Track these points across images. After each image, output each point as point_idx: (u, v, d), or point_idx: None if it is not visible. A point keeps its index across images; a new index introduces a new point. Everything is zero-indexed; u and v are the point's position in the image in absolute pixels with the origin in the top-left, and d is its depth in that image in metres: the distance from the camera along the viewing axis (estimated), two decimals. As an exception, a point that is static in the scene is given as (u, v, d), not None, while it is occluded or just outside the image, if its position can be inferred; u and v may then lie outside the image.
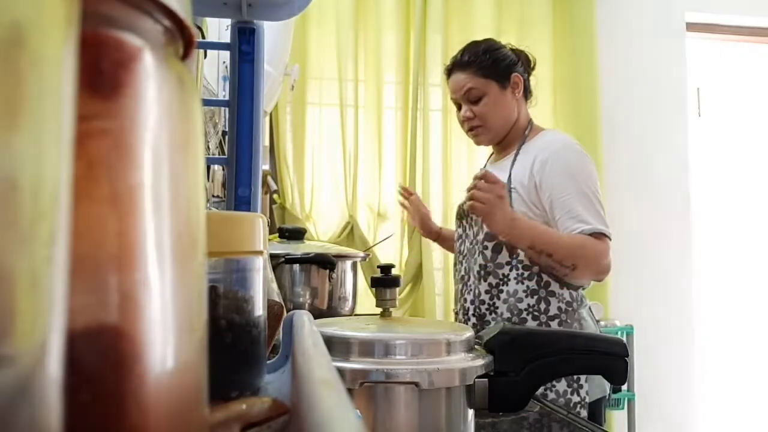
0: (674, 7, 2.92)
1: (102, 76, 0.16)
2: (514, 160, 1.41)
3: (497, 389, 0.54)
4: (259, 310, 0.42)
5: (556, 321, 1.32)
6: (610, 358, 0.58)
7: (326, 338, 0.50)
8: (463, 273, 1.45)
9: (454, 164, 2.61)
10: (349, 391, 0.49)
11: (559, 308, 1.33)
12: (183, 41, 0.21)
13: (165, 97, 0.18)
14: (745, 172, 3.07)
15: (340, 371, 0.49)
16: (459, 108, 1.47)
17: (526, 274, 1.34)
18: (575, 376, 1.27)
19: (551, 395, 1.26)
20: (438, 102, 2.62)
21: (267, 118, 2.29)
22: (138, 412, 0.16)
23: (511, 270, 1.35)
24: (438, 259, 2.56)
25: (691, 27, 2.96)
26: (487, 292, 1.36)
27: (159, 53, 0.18)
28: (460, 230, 1.51)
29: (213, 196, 1.61)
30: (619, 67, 2.81)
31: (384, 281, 0.61)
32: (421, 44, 2.58)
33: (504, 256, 1.35)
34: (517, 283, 1.34)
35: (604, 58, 2.72)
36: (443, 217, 2.57)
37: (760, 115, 3.10)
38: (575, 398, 1.28)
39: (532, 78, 1.51)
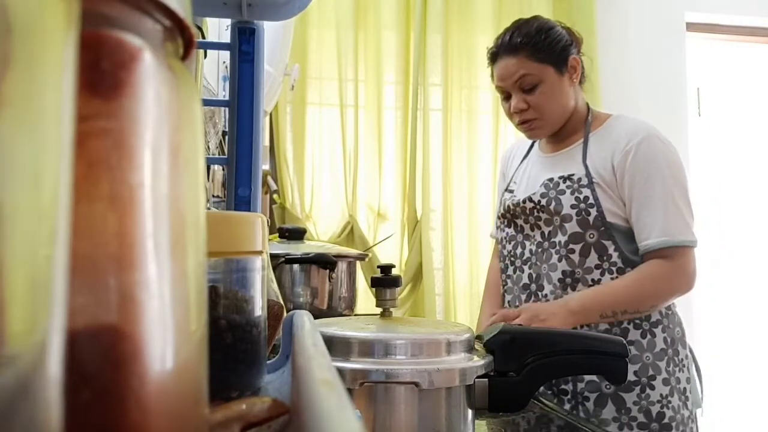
0: (674, 7, 2.92)
1: (102, 76, 0.16)
2: (585, 151, 1.23)
3: (497, 389, 0.54)
4: (259, 310, 0.42)
5: (660, 327, 1.18)
6: (610, 358, 0.58)
7: (326, 338, 0.50)
8: (526, 281, 1.25)
9: (455, 164, 2.61)
10: (349, 391, 0.49)
11: (661, 312, 1.19)
12: (183, 41, 0.21)
13: (165, 97, 0.18)
14: (746, 172, 3.08)
15: (340, 371, 0.49)
16: (506, 98, 1.27)
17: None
18: (682, 387, 1.17)
19: (669, 413, 1.13)
20: (438, 102, 2.61)
21: (267, 118, 2.29)
22: (138, 411, 0.16)
23: (603, 274, 1.18)
24: (438, 259, 2.56)
25: (691, 27, 2.96)
26: None
27: (159, 53, 0.18)
28: (510, 230, 1.30)
29: (213, 196, 1.61)
30: (619, 67, 2.81)
31: (384, 281, 0.61)
32: (421, 44, 2.58)
33: (593, 259, 1.18)
34: None
35: (604, 58, 2.72)
36: (443, 217, 2.57)
37: (760, 115, 3.10)
38: (686, 412, 1.16)
39: (584, 58, 1.34)
